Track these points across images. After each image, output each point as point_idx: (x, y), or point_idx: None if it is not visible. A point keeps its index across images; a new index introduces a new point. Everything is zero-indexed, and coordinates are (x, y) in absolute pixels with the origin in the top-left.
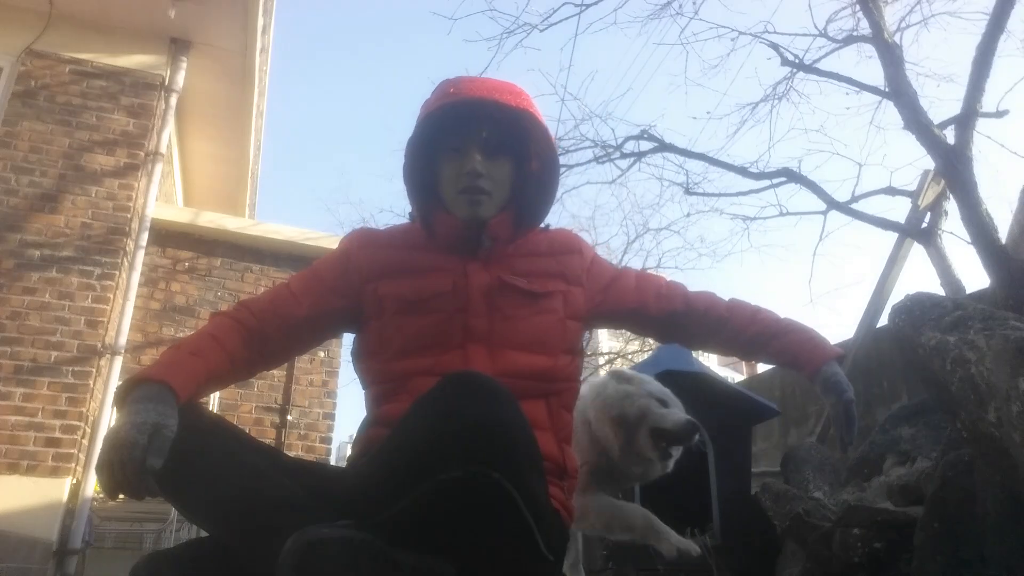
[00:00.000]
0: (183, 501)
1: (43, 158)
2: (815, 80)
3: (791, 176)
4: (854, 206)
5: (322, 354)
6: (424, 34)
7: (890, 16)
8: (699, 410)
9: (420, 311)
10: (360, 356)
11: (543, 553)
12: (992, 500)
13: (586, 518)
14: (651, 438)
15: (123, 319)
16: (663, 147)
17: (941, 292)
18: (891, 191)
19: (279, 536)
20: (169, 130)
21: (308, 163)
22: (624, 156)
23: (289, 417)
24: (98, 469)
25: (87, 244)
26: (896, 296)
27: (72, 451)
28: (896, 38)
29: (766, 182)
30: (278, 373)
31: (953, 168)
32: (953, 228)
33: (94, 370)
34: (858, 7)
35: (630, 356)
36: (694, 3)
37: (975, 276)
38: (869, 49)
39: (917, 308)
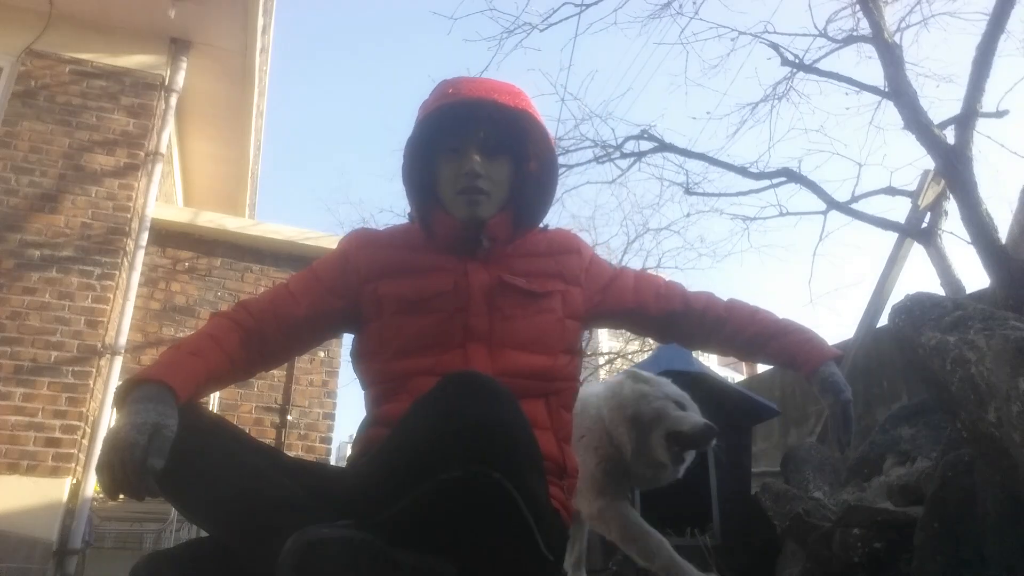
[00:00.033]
0: (183, 501)
1: (43, 158)
2: (815, 80)
3: (791, 176)
4: (854, 206)
5: (322, 354)
6: (424, 34)
7: (890, 16)
8: (699, 410)
9: (420, 311)
10: (360, 356)
11: (543, 553)
12: (992, 500)
13: (606, 525)
14: (665, 441)
15: (123, 319)
16: (663, 147)
17: (941, 292)
18: (891, 191)
19: (279, 536)
20: (169, 130)
21: (308, 163)
22: (624, 156)
23: (289, 417)
24: (98, 470)
25: (87, 244)
26: (896, 296)
27: (72, 451)
28: (896, 38)
29: (766, 182)
30: (278, 373)
31: (953, 168)
32: (953, 228)
33: (94, 370)
34: (858, 7)
35: (630, 356)
36: (694, 3)
37: (975, 276)
38: (869, 49)
39: (917, 308)
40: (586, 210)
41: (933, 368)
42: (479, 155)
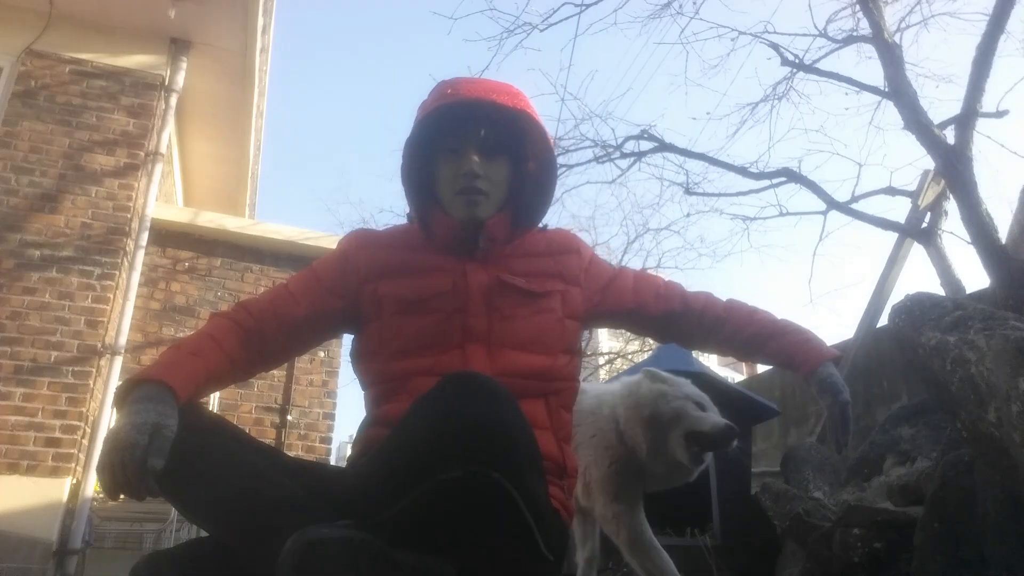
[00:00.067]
0: (183, 501)
1: (43, 158)
2: (815, 80)
3: (791, 176)
4: (854, 206)
5: (322, 354)
6: (424, 34)
7: (890, 16)
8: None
9: (419, 311)
10: (359, 357)
11: (543, 553)
12: (992, 500)
13: (617, 530)
14: (685, 440)
15: (123, 319)
16: (663, 147)
17: (941, 292)
18: (891, 191)
19: (279, 536)
20: (169, 130)
21: (308, 163)
22: (624, 156)
23: (289, 417)
24: (99, 470)
25: (87, 244)
26: (896, 296)
27: (72, 451)
28: (896, 38)
29: (766, 182)
30: (278, 373)
31: (953, 168)
32: (953, 228)
33: (94, 370)
34: (858, 7)
35: (630, 356)
36: (694, 3)
37: (975, 276)
38: (869, 49)
39: (917, 308)
40: (586, 210)
41: (933, 368)
42: (478, 155)
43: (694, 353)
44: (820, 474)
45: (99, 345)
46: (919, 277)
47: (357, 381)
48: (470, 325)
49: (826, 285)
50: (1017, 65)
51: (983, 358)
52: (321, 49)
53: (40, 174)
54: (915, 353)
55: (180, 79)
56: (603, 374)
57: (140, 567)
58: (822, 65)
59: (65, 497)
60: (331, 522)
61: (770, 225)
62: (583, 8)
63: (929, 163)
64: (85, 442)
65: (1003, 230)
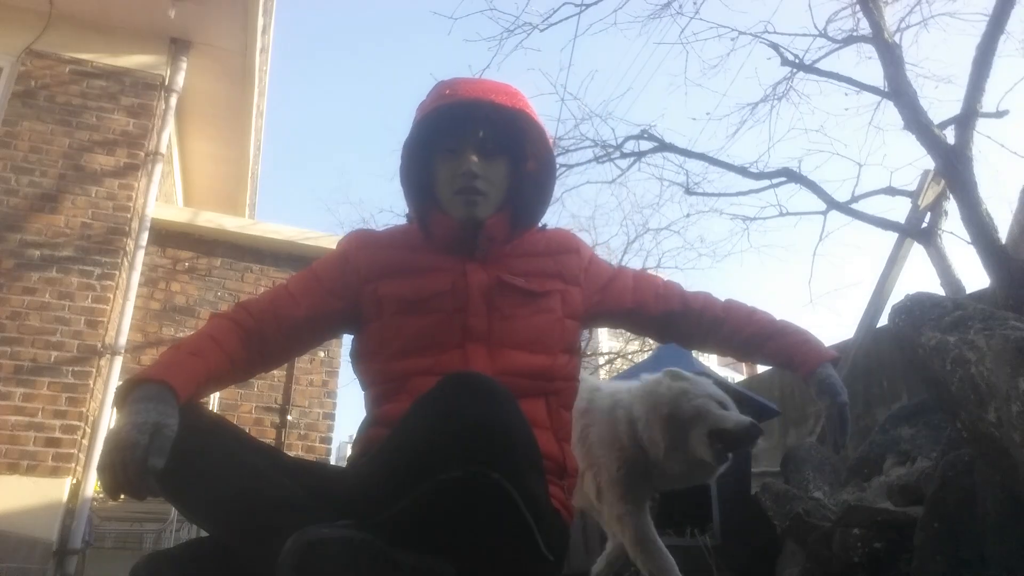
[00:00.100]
0: (183, 501)
1: (43, 158)
2: (815, 80)
3: (791, 176)
4: (854, 206)
5: (322, 354)
6: (424, 34)
7: (890, 16)
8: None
9: (419, 311)
10: (360, 357)
11: (543, 553)
12: (992, 500)
13: (623, 531)
14: (708, 438)
15: (123, 319)
16: (663, 147)
17: (941, 292)
18: (891, 191)
19: (279, 536)
20: (169, 130)
21: (308, 163)
22: (624, 156)
23: (289, 417)
24: (100, 470)
25: (87, 244)
26: (896, 296)
27: (72, 451)
28: (896, 38)
29: (766, 182)
30: (278, 373)
31: (953, 168)
32: (953, 228)
33: (94, 370)
34: (858, 7)
35: (630, 356)
36: (694, 3)
37: (975, 276)
38: (869, 49)
39: (917, 308)
40: (586, 210)
41: (933, 368)
42: (476, 155)
43: (694, 353)
44: (820, 474)
45: (99, 345)
46: (919, 277)
47: (357, 381)
48: (470, 325)
49: (826, 285)
50: (1017, 65)
51: (983, 358)
52: (321, 49)
53: (40, 174)
54: (915, 353)
55: (180, 79)
56: (603, 374)
57: (140, 567)
58: (822, 65)
59: (65, 497)
60: (331, 522)
61: (770, 225)
62: (583, 8)
63: (929, 163)
64: (85, 442)
65: (1003, 230)
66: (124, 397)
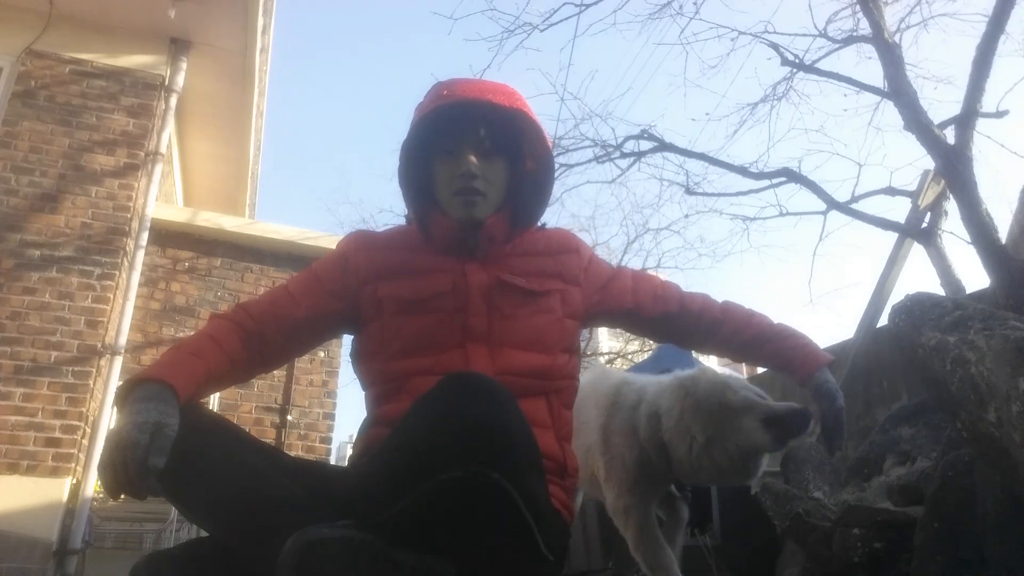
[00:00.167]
0: (183, 501)
1: (43, 158)
2: (815, 80)
3: (791, 176)
4: (854, 206)
5: (322, 354)
6: (424, 34)
7: (890, 17)
8: None
9: (419, 311)
10: (360, 357)
11: (543, 553)
12: (992, 500)
13: (625, 523)
14: (763, 425)
15: (123, 319)
16: (663, 147)
17: (941, 292)
18: (891, 191)
19: (279, 536)
20: (169, 130)
21: (308, 163)
22: (624, 156)
23: (289, 417)
24: (100, 469)
25: (87, 244)
26: (896, 296)
27: (72, 451)
28: (896, 39)
29: (766, 182)
30: (278, 373)
31: (953, 168)
32: (953, 228)
33: (94, 370)
34: (858, 7)
35: (630, 356)
36: (694, 3)
37: (975, 276)
38: (869, 50)
39: (917, 308)
40: (586, 210)
41: (933, 368)
42: (475, 156)
43: (693, 353)
44: (820, 474)
45: (99, 345)
46: (919, 277)
47: (357, 381)
48: (470, 325)
49: (826, 285)
50: (1017, 65)
51: (983, 358)
52: (321, 49)
53: (40, 174)
54: (915, 353)
55: (180, 79)
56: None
57: (140, 567)
58: (822, 65)
59: (65, 497)
60: (331, 522)
61: (770, 225)
62: (583, 8)
63: (929, 163)
64: (85, 442)
65: (1003, 230)
66: (125, 397)
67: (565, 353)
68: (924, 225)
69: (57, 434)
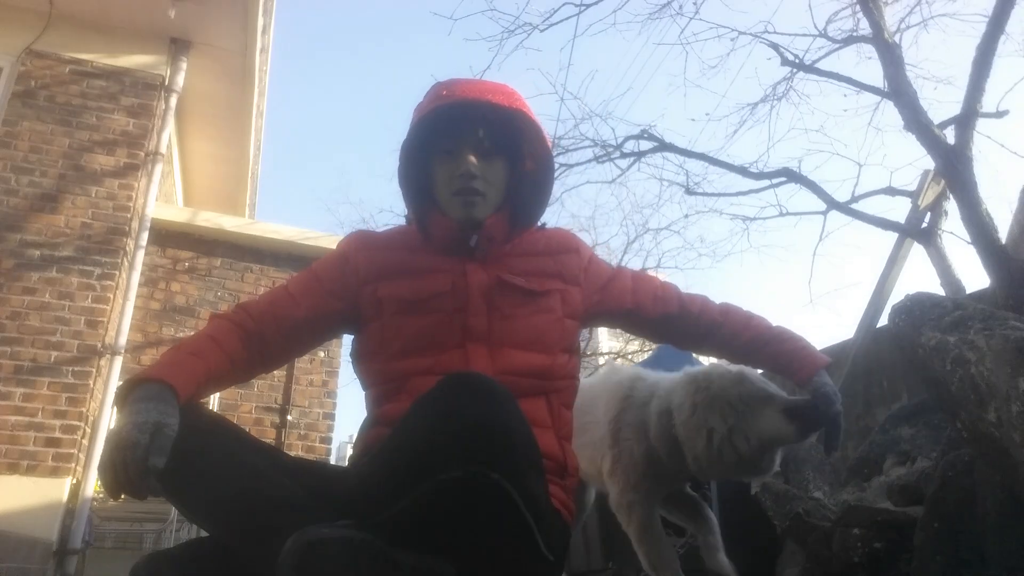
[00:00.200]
0: (183, 501)
1: (43, 158)
2: (815, 80)
3: (791, 176)
4: (854, 206)
5: (322, 354)
6: (424, 34)
7: (890, 17)
8: None
9: (419, 311)
10: (360, 357)
11: (543, 553)
12: (992, 500)
13: (628, 519)
14: (785, 416)
15: (123, 319)
16: (663, 147)
17: (941, 292)
18: (891, 191)
19: (279, 536)
20: (169, 130)
21: (308, 163)
22: (624, 156)
23: (289, 417)
24: (101, 469)
25: (87, 244)
26: (896, 296)
27: (72, 451)
28: (896, 39)
29: (766, 182)
30: (278, 373)
31: (953, 168)
32: (953, 228)
33: (94, 370)
34: (858, 7)
35: (630, 356)
36: (694, 3)
37: (975, 276)
38: (869, 50)
39: (917, 308)
40: (586, 210)
41: (933, 368)
42: (474, 156)
43: (693, 354)
44: (820, 474)
45: (99, 345)
46: (919, 277)
47: (357, 381)
48: (470, 325)
49: (826, 285)
50: (1017, 65)
51: (983, 358)
52: (321, 49)
53: (40, 174)
54: (915, 353)
55: (180, 79)
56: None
57: (140, 567)
58: (822, 65)
59: (65, 497)
60: (331, 522)
61: (770, 225)
62: (583, 8)
63: (929, 163)
64: (85, 442)
65: (1003, 230)
66: (125, 397)
67: (565, 353)
68: (924, 225)
69: (57, 434)
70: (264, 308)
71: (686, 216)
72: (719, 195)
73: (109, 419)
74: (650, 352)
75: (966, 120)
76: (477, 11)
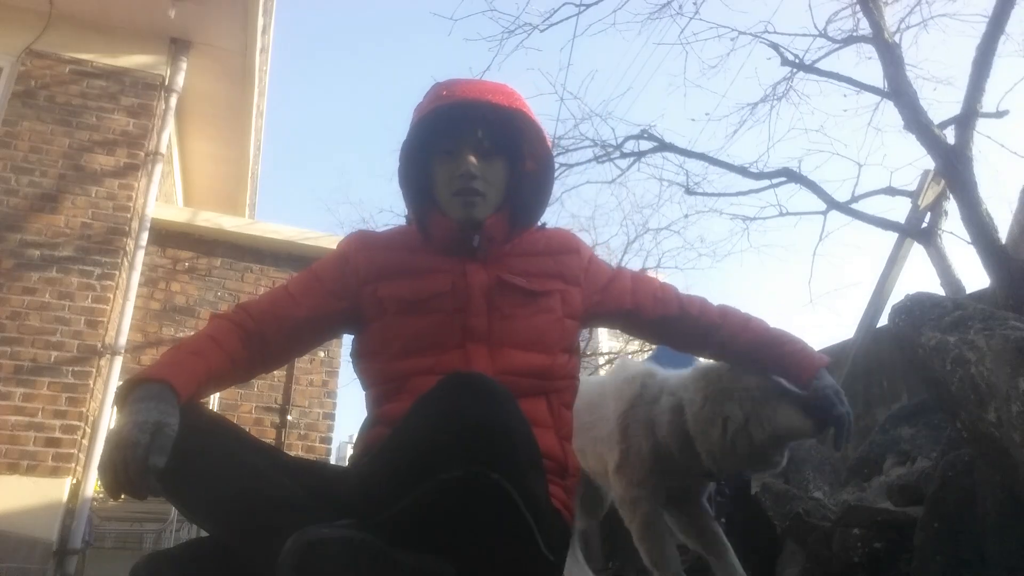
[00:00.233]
0: (184, 500)
1: (43, 158)
2: (815, 80)
3: (791, 176)
4: (854, 206)
5: (322, 354)
6: (424, 34)
7: (890, 17)
8: None
9: (420, 311)
10: (360, 357)
11: (543, 553)
12: (992, 500)
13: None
14: (802, 411)
15: (123, 319)
16: (663, 147)
17: (941, 292)
18: (891, 191)
19: (279, 536)
20: (169, 130)
21: (308, 163)
22: (624, 156)
23: (289, 417)
24: (101, 469)
25: (87, 244)
26: (896, 296)
27: (72, 451)
28: (896, 39)
29: (766, 182)
30: (278, 373)
31: (953, 168)
32: (953, 228)
33: (94, 370)
34: (858, 7)
35: (630, 356)
36: (694, 3)
37: (975, 276)
38: (869, 50)
39: (917, 308)
40: (586, 210)
41: (933, 368)
42: (474, 156)
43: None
44: (820, 474)
45: (99, 345)
46: (919, 277)
47: (357, 381)
48: (471, 325)
49: (826, 285)
50: (1017, 65)
51: (983, 358)
52: (321, 49)
53: (40, 174)
54: (915, 353)
55: (180, 79)
56: (603, 374)
57: (140, 567)
58: (822, 65)
59: (65, 497)
60: (331, 522)
61: (770, 225)
62: (583, 8)
63: (929, 163)
64: (85, 442)
65: (1003, 230)
66: (125, 396)
67: (565, 353)
68: (924, 225)
69: (57, 434)
70: (264, 308)
71: (686, 216)
72: (719, 195)
73: (109, 419)
74: (649, 353)
75: (966, 120)
76: (477, 11)
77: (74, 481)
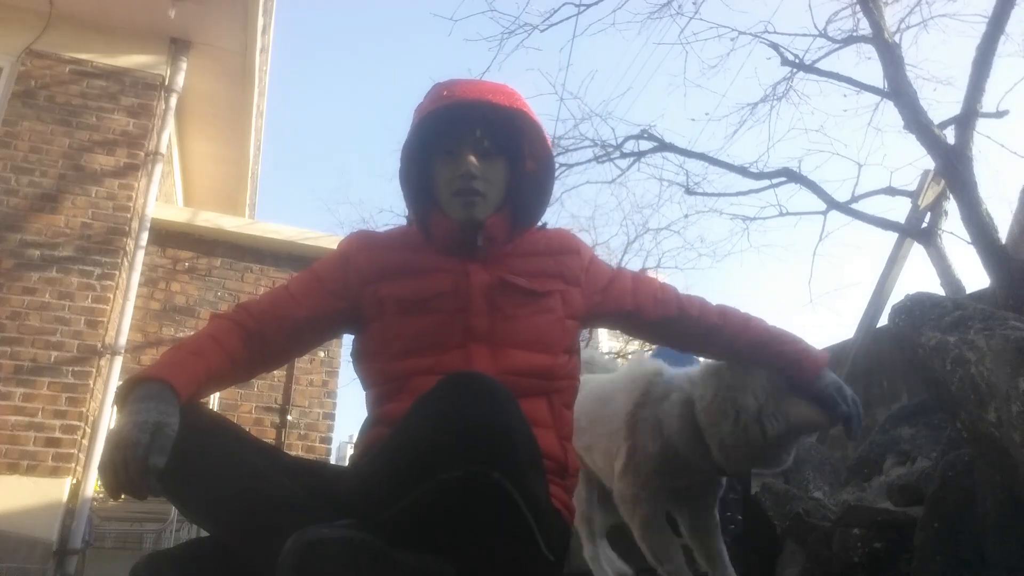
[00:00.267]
0: (184, 500)
1: (43, 158)
2: (815, 80)
3: (791, 176)
4: (854, 206)
5: (322, 354)
6: (424, 34)
7: (890, 17)
8: None
9: (421, 311)
10: (361, 357)
11: (544, 553)
12: (992, 500)
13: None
14: (816, 405)
15: (123, 319)
16: (663, 147)
17: (941, 292)
18: (891, 191)
19: (279, 536)
20: (169, 130)
21: (308, 163)
22: (624, 156)
23: (289, 417)
24: (101, 469)
25: (87, 244)
26: (896, 296)
27: (72, 451)
28: (896, 39)
29: (766, 182)
30: (278, 373)
31: (953, 168)
32: (953, 228)
33: (94, 370)
34: (858, 7)
35: (630, 356)
36: (694, 3)
37: (975, 276)
38: (869, 50)
39: (917, 308)
40: (586, 210)
41: (933, 368)
42: (475, 156)
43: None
44: (820, 474)
45: (99, 345)
46: (919, 277)
47: (358, 381)
48: (472, 325)
49: (826, 285)
50: (1017, 65)
51: (983, 358)
52: (321, 49)
53: (40, 174)
54: (915, 353)
55: (180, 79)
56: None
57: (140, 567)
58: (822, 65)
59: (65, 497)
60: (331, 522)
61: (770, 225)
62: (583, 8)
63: (929, 163)
64: (85, 442)
65: (1003, 230)
66: (125, 396)
67: (566, 353)
68: (924, 225)
69: (57, 434)
70: (265, 308)
71: (686, 216)
72: (719, 195)
73: (109, 419)
74: (649, 353)
75: (966, 120)
76: (477, 12)
77: (74, 481)
